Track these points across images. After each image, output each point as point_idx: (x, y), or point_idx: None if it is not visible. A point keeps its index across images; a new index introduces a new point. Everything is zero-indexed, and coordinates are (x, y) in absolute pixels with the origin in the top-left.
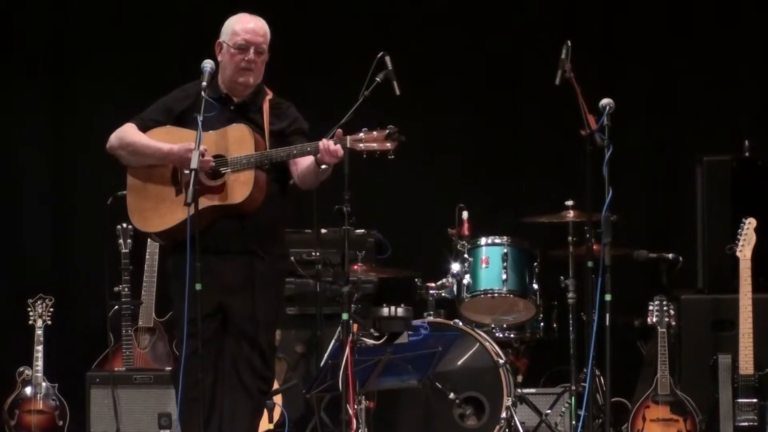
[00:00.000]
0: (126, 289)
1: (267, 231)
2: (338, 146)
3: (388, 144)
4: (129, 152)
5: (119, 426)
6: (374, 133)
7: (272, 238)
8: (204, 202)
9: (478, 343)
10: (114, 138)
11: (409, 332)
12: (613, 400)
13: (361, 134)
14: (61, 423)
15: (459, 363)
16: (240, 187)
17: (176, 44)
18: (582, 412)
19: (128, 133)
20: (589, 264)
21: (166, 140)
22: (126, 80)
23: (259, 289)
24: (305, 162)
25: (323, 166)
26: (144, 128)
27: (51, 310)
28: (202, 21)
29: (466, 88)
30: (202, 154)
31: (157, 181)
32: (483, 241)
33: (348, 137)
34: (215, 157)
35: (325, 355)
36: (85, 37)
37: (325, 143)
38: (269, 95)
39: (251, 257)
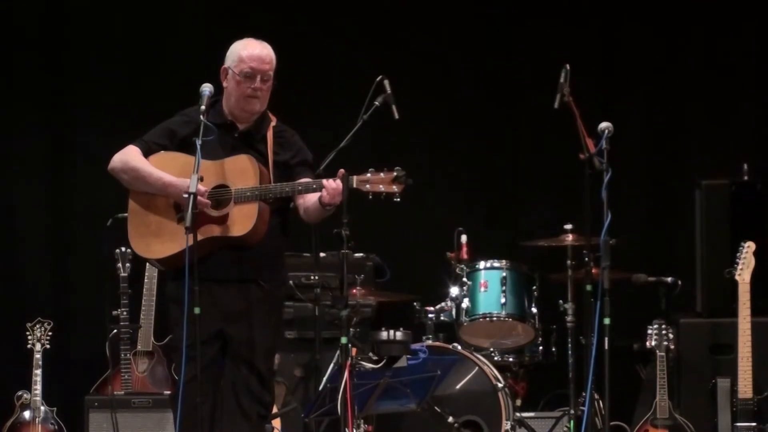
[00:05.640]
0: (125, 313)
1: (267, 261)
2: (340, 184)
3: (395, 187)
4: (131, 177)
5: None
6: (381, 174)
7: (272, 267)
8: (206, 232)
9: (476, 367)
10: (117, 160)
11: (408, 356)
12: (612, 423)
13: (368, 175)
14: None
15: (458, 387)
16: (243, 220)
17: (176, 66)
18: None
19: (131, 157)
20: (588, 287)
21: (168, 166)
22: (125, 102)
23: (257, 316)
24: (312, 197)
25: (328, 208)
26: (147, 152)
27: (50, 334)
28: (202, 43)
29: (466, 112)
30: (201, 179)
31: (158, 207)
32: (482, 264)
33: (354, 177)
34: (218, 187)
35: (324, 379)
36: (84, 58)
37: (330, 184)
38: (273, 122)
39: (250, 285)
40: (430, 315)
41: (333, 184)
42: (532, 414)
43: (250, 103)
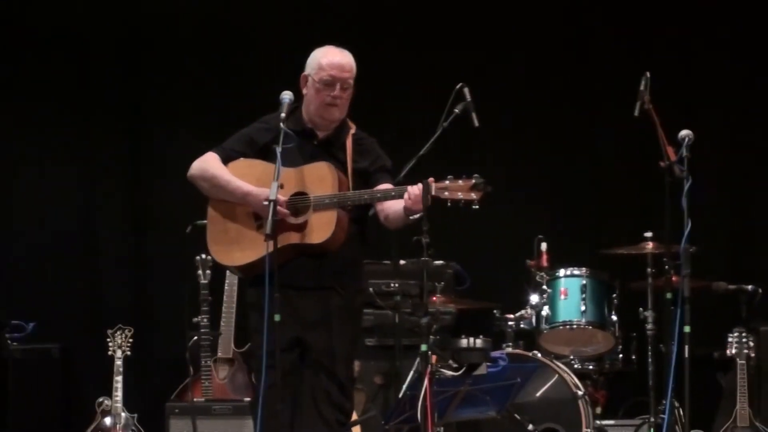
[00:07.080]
0: (205, 320)
1: (345, 268)
2: (421, 190)
3: (473, 194)
4: (210, 185)
5: None
6: (460, 182)
7: (350, 275)
8: (285, 240)
9: (556, 375)
10: (196, 168)
11: (488, 363)
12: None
13: (447, 182)
14: None
15: (538, 394)
16: (322, 227)
17: (252, 74)
18: None
19: (211, 164)
20: (668, 296)
21: (247, 173)
22: (202, 109)
23: (336, 323)
24: (394, 205)
25: (412, 216)
26: (226, 159)
27: (130, 340)
28: (277, 51)
29: (544, 121)
30: (281, 186)
31: (238, 214)
32: (562, 272)
33: (433, 184)
34: (297, 194)
35: (404, 386)
36: (162, 68)
37: (414, 190)
38: (352, 129)
39: (328, 292)
40: (509, 323)
41: (417, 190)
42: (612, 422)
43: (329, 111)
